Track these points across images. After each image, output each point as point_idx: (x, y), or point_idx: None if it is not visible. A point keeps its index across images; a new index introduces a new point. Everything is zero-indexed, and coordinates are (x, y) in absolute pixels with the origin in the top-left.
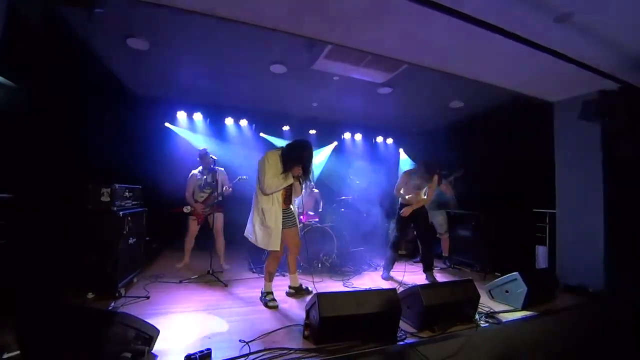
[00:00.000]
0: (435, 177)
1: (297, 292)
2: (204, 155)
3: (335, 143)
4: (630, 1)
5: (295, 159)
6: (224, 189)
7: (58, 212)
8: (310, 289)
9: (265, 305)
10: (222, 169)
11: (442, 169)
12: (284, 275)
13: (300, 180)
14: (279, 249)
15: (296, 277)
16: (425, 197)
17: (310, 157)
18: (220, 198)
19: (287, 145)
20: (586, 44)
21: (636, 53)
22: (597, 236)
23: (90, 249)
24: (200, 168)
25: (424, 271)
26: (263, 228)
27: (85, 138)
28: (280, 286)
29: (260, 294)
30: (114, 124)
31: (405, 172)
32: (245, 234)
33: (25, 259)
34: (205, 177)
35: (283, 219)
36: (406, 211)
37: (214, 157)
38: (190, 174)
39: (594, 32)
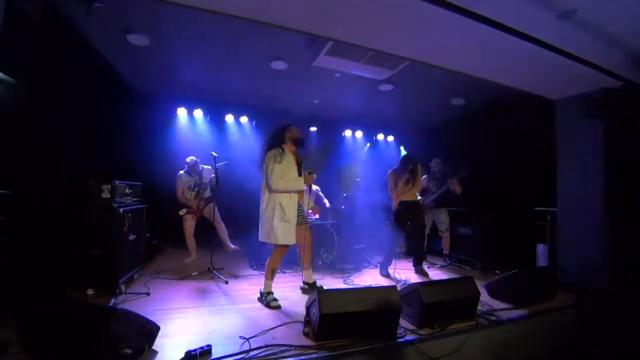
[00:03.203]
0: (419, 166)
1: (311, 288)
2: (193, 165)
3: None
4: None
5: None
6: (211, 181)
7: (58, 209)
8: (324, 287)
9: (268, 305)
10: (209, 166)
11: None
12: (283, 273)
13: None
14: (294, 242)
15: (310, 273)
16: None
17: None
18: (208, 194)
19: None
20: (589, 41)
21: (639, 50)
22: (598, 235)
23: (90, 245)
24: (187, 169)
25: (415, 265)
26: (283, 223)
27: (85, 134)
28: (276, 283)
29: (259, 295)
30: (114, 120)
31: (391, 172)
32: (262, 238)
33: (25, 255)
34: (194, 179)
35: (298, 214)
36: (396, 202)
37: (193, 158)
38: (178, 174)
39: (597, 29)
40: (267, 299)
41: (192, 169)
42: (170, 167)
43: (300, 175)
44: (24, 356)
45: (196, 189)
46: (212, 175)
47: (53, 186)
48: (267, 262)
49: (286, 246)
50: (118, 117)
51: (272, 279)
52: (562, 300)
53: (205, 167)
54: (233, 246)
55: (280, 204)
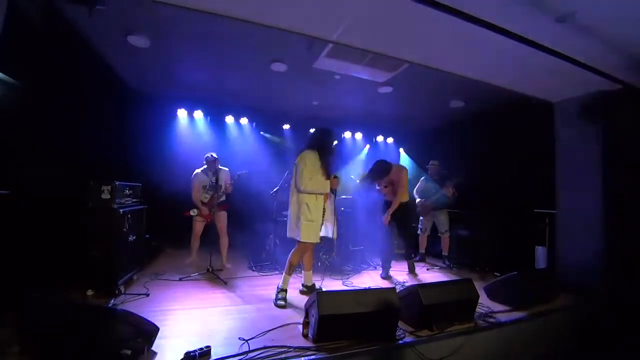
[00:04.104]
0: (403, 172)
1: (310, 290)
2: (212, 162)
3: (336, 142)
4: (630, 1)
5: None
6: (225, 187)
7: (58, 209)
8: (323, 289)
9: (275, 301)
10: (226, 168)
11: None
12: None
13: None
14: (318, 242)
15: (310, 276)
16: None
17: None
18: (223, 198)
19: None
20: (587, 44)
21: (636, 53)
22: (596, 237)
23: (90, 246)
24: (204, 167)
25: (406, 259)
26: (307, 222)
27: (85, 135)
28: (275, 284)
29: (276, 288)
30: (114, 121)
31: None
32: (289, 234)
33: (24, 255)
34: (209, 178)
35: (323, 214)
36: (385, 219)
37: (214, 155)
38: (194, 173)
39: (594, 33)
40: (277, 296)
41: (210, 166)
42: (170, 168)
43: (327, 178)
44: (24, 356)
45: (211, 192)
46: (227, 184)
47: (53, 187)
48: (288, 257)
49: (309, 244)
50: (118, 118)
51: (290, 275)
52: (560, 303)
53: (223, 168)
54: (229, 265)
55: (307, 204)
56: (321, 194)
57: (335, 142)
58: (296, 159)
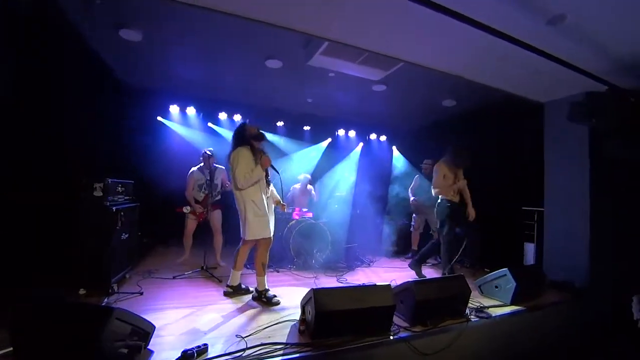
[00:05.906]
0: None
1: (235, 291)
2: (207, 158)
3: (329, 139)
4: (619, 6)
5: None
6: (225, 186)
7: (49, 207)
8: (251, 289)
9: (269, 302)
10: (223, 167)
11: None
12: (277, 272)
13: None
14: (271, 235)
15: (238, 275)
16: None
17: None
18: (218, 197)
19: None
20: (576, 47)
21: (623, 56)
22: (583, 234)
23: (82, 244)
24: (200, 165)
25: (418, 265)
26: (257, 218)
27: (76, 131)
28: (270, 283)
29: (255, 294)
30: (106, 117)
31: (441, 164)
32: (243, 236)
33: (16, 254)
34: (205, 177)
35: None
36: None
37: (207, 152)
38: (190, 171)
39: (584, 36)
40: (267, 296)
41: (205, 163)
42: (162, 166)
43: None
44: (17, 356)
45: (206, 191)
46: (227, 184)
47: (43, 184)
48: (255, 261)
49: (267, 239)
50: (109, 114)
51: (264, 275)
52: (548, 298)
53: (220, 167)
54: (223, 263)
55: (253, 201)
56: (257, 180)
57: (258, 132)
58: (229, 160)
